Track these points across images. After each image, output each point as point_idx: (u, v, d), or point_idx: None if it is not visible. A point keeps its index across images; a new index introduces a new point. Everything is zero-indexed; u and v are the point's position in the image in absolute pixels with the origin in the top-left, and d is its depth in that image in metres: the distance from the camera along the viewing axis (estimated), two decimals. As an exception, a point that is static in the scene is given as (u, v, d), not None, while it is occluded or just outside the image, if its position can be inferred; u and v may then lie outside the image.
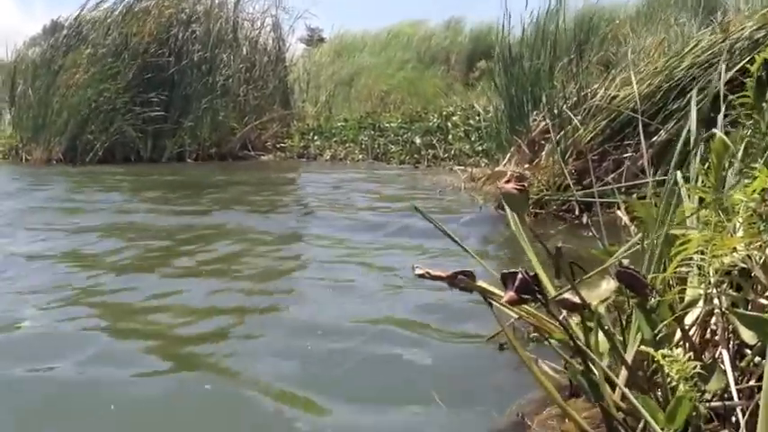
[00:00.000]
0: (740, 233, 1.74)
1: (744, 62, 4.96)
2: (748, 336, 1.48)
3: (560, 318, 1.77)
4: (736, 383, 1.49)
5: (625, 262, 1.99)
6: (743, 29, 5.51)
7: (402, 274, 3.62)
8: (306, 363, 2.48)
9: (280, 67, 13.33)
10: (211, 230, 5.08)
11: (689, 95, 5.42)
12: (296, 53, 16.23)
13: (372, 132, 12.23)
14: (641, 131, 3.15)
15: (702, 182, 2.18)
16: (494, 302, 1.77)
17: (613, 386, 1.67)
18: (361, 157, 11.51)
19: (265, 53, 13.21)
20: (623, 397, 1.64)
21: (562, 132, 5.45)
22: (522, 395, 2.06)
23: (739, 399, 1.48)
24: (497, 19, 7.33)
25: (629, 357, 1.68)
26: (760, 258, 1.63)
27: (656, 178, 2.31)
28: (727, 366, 1.49)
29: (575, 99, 5.86)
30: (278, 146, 12.35)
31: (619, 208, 2.45)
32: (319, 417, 2.07)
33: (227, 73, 12.21)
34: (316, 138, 12.51)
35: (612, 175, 5.29)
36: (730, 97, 2.63)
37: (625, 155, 5.48)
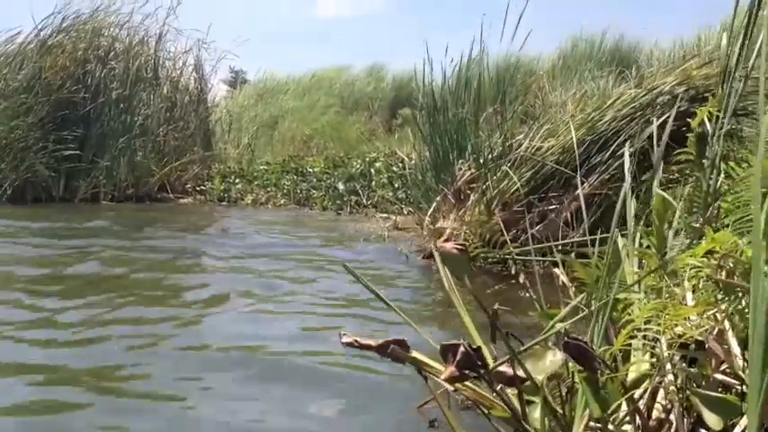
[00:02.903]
0: (690, 301, 1.64)
1: (664, 117, 5.02)
2: (713, 420, 1.35)
3: (499, 390, 1.62)
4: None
5: (560, 325, 1.87)
6: (663, 84, 5.60)
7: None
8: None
9: (201, 108, 13.03)
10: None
11: (612, 148, 5.46)
12: (218, 94, 15.99)
13: (295, 177, 12.04)
14: (579, 183, 3.04)
15: (641, 242, 2.09)
16: (430, 376, 1.60)
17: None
18: (283, 201, 11.28)
19: (187, 93, 12.90)
20: (570, 481, 1.49)
21: (488, 182, 5.39)
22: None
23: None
24: (417, 66, 7.26)
25: (576, 437, 1.54)
26: (714, 329, 1.53)
27: (595, 236, 2.20)
28: (686, 452, 1.36)
29: (500, 149, 5.83)
30: (198, 188, 12.01)
31: (556, 266, 2.33)
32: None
33: (147, 112, 11.86)
34: (237, 181, 12.22)
35: (538, 227, 5.26)
36: (657, 152, 2.58)
37: (550, 207, 5.47)
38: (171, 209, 10.66)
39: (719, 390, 1.46)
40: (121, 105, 11.50)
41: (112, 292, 4.26)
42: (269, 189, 11.82)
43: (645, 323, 1.57)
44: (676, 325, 1.56)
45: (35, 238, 6.45)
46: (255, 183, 12.14)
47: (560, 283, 2.24)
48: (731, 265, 1.51)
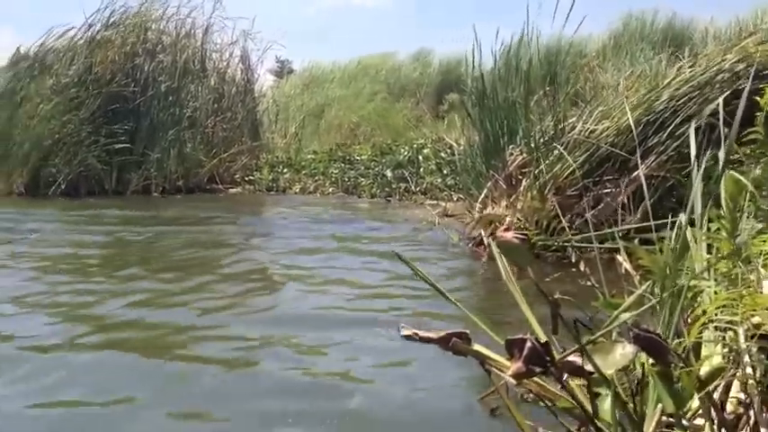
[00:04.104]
0: (767, 289, 1.55)
1: (725, 95, 4.85)
2: (800, 418, 1.27)
3: (565, 382, 1.55)
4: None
5: (624, 316, 1.80)
6: (723, 61, 5.42)
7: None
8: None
9: (248, 99, 13.08)
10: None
11: (669, 129, 5.30)
12: (265, 84, 16.04)
13: (342, 165, 12.03)
14: (639, 164, 2.94)
15: (709, 226, 2.00)
16: (492, 370, 1.55)
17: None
18: (331, 190, 11.28)
19: (234, 84, 12.97)
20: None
21: (541, 167, 5.29)
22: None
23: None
24: (466, 51, 7.14)
25: (648, 433, 1.47)
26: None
27: (660, 221, 2.11)
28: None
29: (552, 133, 5.72)
30: (246, 179, 12.09)
31: (616, 252, 2.25)
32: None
33: (195, 104, 11.96)
34: (285, 170, 12.26)
35: (593, 211, 5.14)
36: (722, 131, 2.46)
37: (604, 190, 5.34)
38: (224, 199, 10.75)
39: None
40: (170, 98, 11.62)
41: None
42: (317, 178, 11.83)
43: (719, 313, 1.49)
44: (753, 315, 1.47)
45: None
46: (303, 172, 12.16)
47: (623, 270, 2.16)
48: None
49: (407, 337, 1.62)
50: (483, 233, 5.00)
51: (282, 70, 25.49)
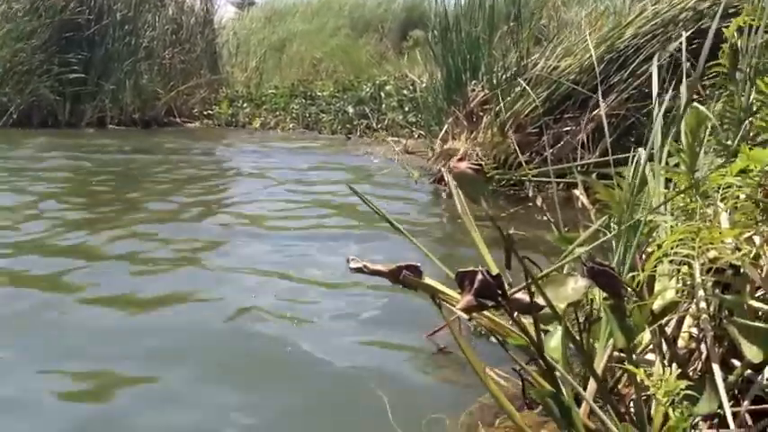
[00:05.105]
0: (725, 223, 1.52)
1: (689, 32, 4.80)
2: (753, 352, 1.24)
3: (517, 318, 1.51)
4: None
5: (579, 250, 1.77)
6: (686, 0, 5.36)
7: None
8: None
9: (208, 30, 12.75)
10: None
11: (631, 67, 5.25)
12: (225, 16, 15.64)
13: (304, 101, 11.83)
14: (600, 101, 2.89)
15: (668, 161, 1.96)
16: (444, 304, 1.50)
17: (578, 400, 1.43)
18: (291, 126, 11.13)
19: (193, 15, 12.60)
20: (591, 413, 1.41)
21: (502, 104, 5.22)
22: (469, 402, 1.81)
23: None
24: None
25: (598, 368, 1.44)
26: (750, 253, 1.40)
27: (618, 155, 2.07)
28: (720, 386, 1.25)
29: (514, 69, 5.64)
30: (205, 113, 11.85)
31: (574, 188, 2.21)
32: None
33: (152, 34, 11.61)
34: (245, 105, 12.04)
35: (553, 149, 5.10)
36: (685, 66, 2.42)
37: (565, 128, 5.30)
38: (182, 133, 10.51)
39: (755, 318, 1.36)
40: (126, 27, 11.25)
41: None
42: (278, 113, 11.64)
43: (675, 247, 1.46)
44: (708, 249, 1.44)
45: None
46: (264, 107, 11.95)
47: (579, 205, 2.12)
48: (773, 184, 1.39)
49: (356, 270, 1.56)
50: (443, 169, 4.95)
51: (244, 2, 24.86)
